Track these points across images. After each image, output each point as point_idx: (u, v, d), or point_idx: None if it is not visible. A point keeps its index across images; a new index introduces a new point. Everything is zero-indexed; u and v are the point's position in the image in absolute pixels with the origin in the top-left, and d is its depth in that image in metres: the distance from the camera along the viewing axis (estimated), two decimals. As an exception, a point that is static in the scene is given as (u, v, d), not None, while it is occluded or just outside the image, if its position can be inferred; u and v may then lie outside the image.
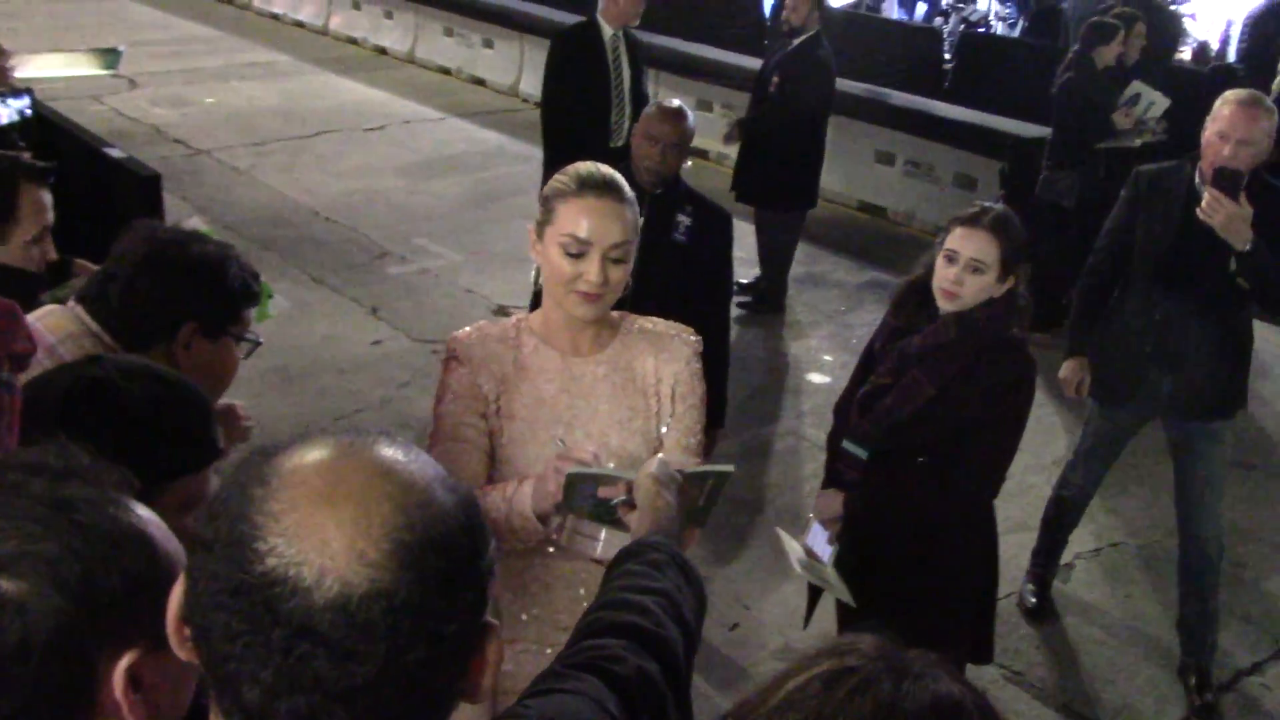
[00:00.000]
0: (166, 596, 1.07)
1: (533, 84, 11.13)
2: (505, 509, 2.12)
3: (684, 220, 3.76)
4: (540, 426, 2.27)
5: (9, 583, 1.02)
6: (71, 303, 2.06)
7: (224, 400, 2.36)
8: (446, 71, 12.65)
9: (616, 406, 2.31)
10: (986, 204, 3.09)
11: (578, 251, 2.16)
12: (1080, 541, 5.01)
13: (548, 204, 2.23)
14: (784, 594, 4.58)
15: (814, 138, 7.07)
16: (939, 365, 2.98)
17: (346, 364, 6.16)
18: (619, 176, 2.25)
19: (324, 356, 6.22)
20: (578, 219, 2.17)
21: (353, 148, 9.93)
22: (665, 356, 2.37)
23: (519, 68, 11.89)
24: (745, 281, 7.21)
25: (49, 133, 5.21)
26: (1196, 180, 3.72)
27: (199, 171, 9.07)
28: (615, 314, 2.38)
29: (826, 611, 3.51)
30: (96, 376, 1.61)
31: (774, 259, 7.16)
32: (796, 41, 6.82)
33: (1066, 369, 4.18)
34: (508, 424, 2.27)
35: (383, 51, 13.34)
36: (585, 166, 2.25)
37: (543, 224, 2.23)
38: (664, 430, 2.36)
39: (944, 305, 2.99)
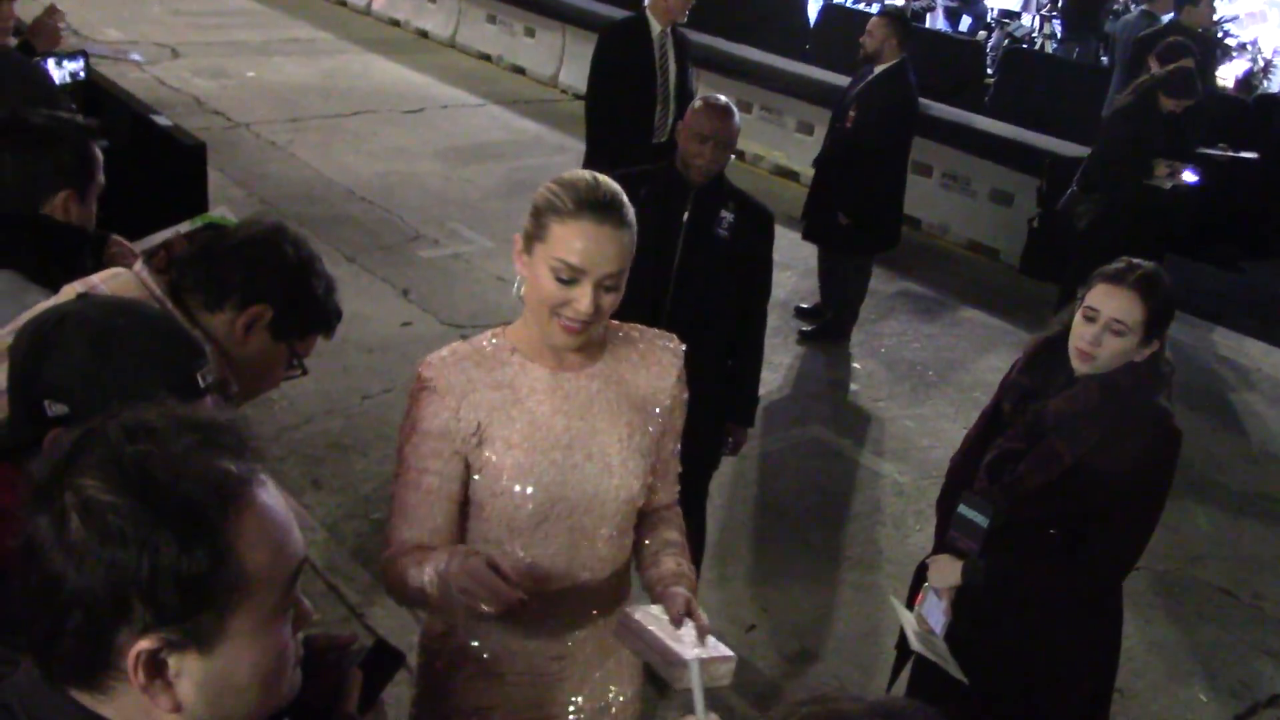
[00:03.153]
0: (216, 608, 1.10)
1: (573, 75, 11.15)
2: (417, 583, 2.04)
3: (727, 216, 3.73)
4: (539, 453, 2.11)
5: (77, 520, 1.06)
6: (138, 266, 2.08)
7: None
8: (487, 58, 12.67)
9: (615, 423, 2.18)
10: (1135, 260, 2.79)
11: (569, 278, 2.00)
12: (1101, 564, 5.00)
13: (540, 218, 2.02)
14: (799, 598, 4.59)
15: (891, 177, 6.63)
16: (1078, 433, 2.73)
17: (375, 344, 6.18)
18: (619, 193, 2.05)
19: (353, 335, 6.22)
20: (572, 243, 1.99)
21: (390, 129, 9.95)
22: (657, 370, 2.26)
23: (560, 58, 11.89)
24: (805, 306, 7.09)
25: (96, 97, 5.24)
26: None
27: (237, 144, 9.11)
28: None
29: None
30: (66, 311, 1.62)
31: (840, 298, 6.87)
32: (877, 70, 6.44)
33: None
34: (505, 455, 2.10)
35: (424, 35, 13.36)
36: (584, 180, 2.04)
37: (532, 238, 2.04)
38: (663, 445, 2.30)
39: (1079, 367, 2.75)
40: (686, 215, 3.72)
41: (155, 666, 1.09)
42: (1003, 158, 8.50)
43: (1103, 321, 2.70)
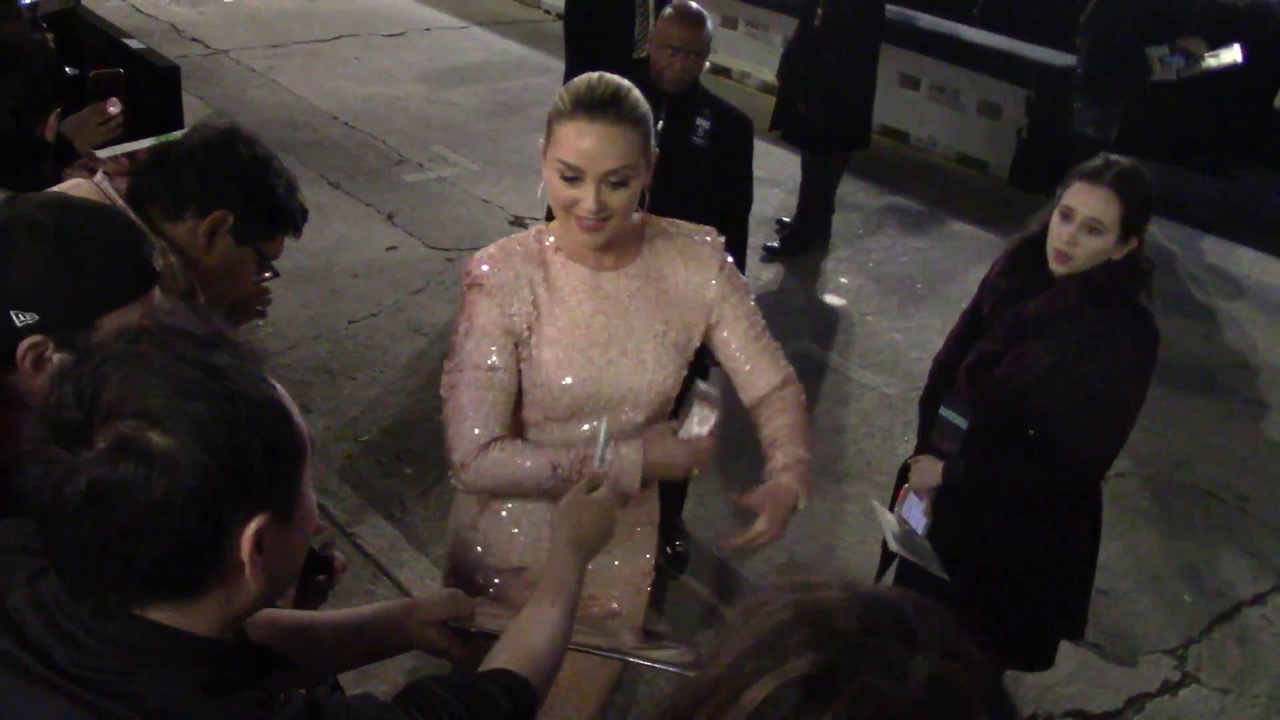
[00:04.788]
0: (296, 469, 1.16)
1: (556, -5, 10.98)
2: (549, 479, 2.16)
3: (703, 124, 3.68)
4: (577, 350, 2.19)
5: (160, 437, 1.06)
6: (99, 176, 2.06)
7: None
8: (469, -21, 12.47)
9: (651, 321, 2.24)
10: (1113, 157, 2.76)
11: (571, 176, 2.05)
12: (1088, 471, 5.03)
13: (549, 123, 2.11)
14: (790, 510, 4.61)
15: (864, 74, 6.52)
16: (1057, 334, 2.74)
17: (361, 268, 6.15)
18: (625, 91, 2.09)
19: (338, 260, 6.20)
20: (569, 143, 2.04)
21: (372, 53, 9.81)
22: (695, 265, 2.30)
23: (543, -22, 11.71)
24: (787, 220, 6.97)
25: (69, 21, 5.16)
26: None
27: (216, 71, 8.99)
28: (636, 217, 2.29)
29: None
30: (8, 217, 1.59)
31: (811, 203, 6.82)
32: None
33: None
34: (547, 350, 2.18)
35: (404, -43, 13.14)
36: (586, 82, 2.09)
37: (545, 143, 2.12)
38: (730, 336, 2.36)
39: (1056, 268, 2.73)
40: (661, 124, 3.67)
41: (258, 546, 1.13)
42: (991, 69, 8.40)
43: (1079, 220, 2.68)
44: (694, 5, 3.81)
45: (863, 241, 7.13)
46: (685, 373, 2.34)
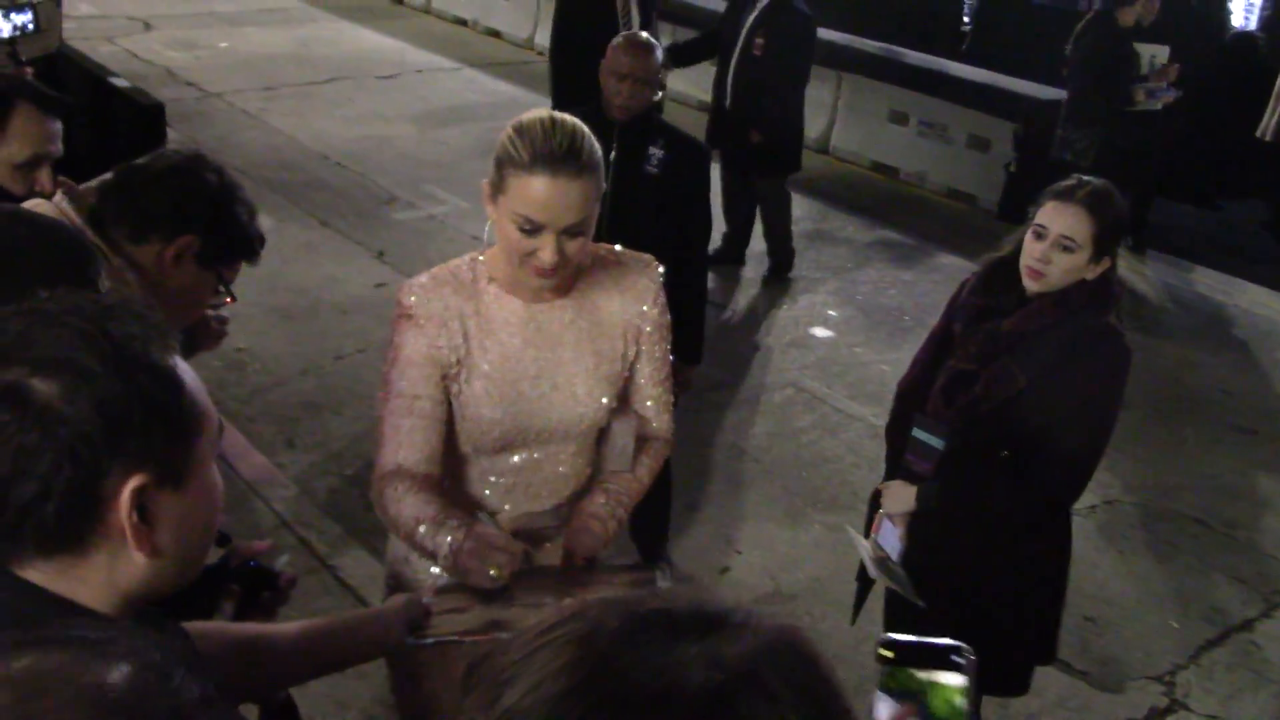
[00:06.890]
0: (187, 437, 1.16)
1: (548, 37, 11.05)
2: (429, 547, 2.09)
3: (656, 152, 3.69)
4: (507, 384, 2.17)
5: (42, 383, 1.08)
6: (58, 196, 2.07)
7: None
8: (463, 22, 12.58)
9: (582, 353, 2.23)
10: (1085, 177, 2.77)
11: (530, 230, 2.01)
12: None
13: (501, 169, 2.02)
14: (773, 539, 4.60)
15: (800, 100, 6.62)
16: (1032, 352, 2.72)
17: (350, 305, 6.16)
18: (580, 137, 2.01)
19: (327, 297, 6.22)
20: (530, 198, 1.98)
21: (365, 95, 9.89)
22: (631, 295, 2.27)
23: (535, 20, 11.80)
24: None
25: (54, 59, 5.20)
26: None
27: (210, 114, 9.06)
28: None
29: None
30: None
31: (774, 229, 6.89)
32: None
33: None
34: (476, 383, 2.17)
35: (400, 1, 13.27)
36: (540, 128, 1.99)
37: (496, 188, 2.05)
38: (640, 370, 2.34)
39: (1030, 285, 2.73)
40: (613, 154, 3.69)
41: (141, 508, 1.13)
42: (979, 103, 8.47)
43: (1052, 238, 2.68)
44: (643, 34, 3.84)
45: (851, 274, 7.15)
46: (616, 403, 2.30)
